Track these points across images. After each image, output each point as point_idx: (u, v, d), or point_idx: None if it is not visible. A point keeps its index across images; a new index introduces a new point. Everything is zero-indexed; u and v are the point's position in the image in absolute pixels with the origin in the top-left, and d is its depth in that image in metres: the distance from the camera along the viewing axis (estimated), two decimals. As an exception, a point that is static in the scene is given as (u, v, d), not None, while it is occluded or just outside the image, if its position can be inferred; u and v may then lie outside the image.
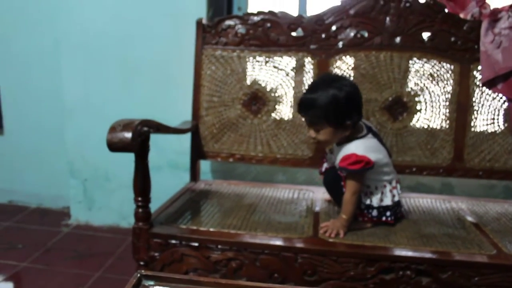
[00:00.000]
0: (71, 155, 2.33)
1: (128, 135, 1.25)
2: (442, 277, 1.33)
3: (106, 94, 2.22)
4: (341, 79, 1.49)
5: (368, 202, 1.49)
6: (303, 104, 1.46)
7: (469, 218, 1.64)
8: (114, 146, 1.25)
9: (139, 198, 1.40)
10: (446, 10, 1.77)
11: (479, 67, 1.75)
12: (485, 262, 1.32)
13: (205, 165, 2.16)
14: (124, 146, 1.25)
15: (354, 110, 1.45)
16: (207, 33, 1.85)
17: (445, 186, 2.09)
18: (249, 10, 2.21)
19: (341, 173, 1.49)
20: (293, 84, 1.82)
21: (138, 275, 0.84)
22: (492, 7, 1.75)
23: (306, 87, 1.79)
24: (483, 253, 1.36)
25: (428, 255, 1.34)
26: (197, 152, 1.89)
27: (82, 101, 2.25)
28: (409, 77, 1.79)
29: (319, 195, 1.80)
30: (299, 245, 1.36)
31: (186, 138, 1.92)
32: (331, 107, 1.40)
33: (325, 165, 1.67)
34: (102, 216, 2.38)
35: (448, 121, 1.79)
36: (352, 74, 1.80)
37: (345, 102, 1.41)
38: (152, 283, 0.84)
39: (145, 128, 1.35)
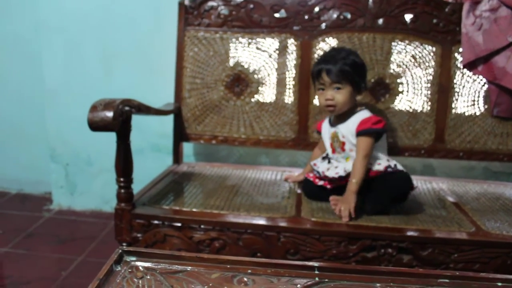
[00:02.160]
0: (52, 139, 2.30)
1: (110, 114, 1.23)
2: (423, 254, 1.35)
3: (87, 78, 2.18)
4: (352, 51, 1.59)
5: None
6: (333, 57, 1.50)
7: (450, 198, 1.66)
8: (95, 125, 1.23)
9: (121, 179, 1.39)
10: (429, -8, 1.78)
11: (460, 49, 1.77)
12: (464, 239, 1.34)
13: (188, 148, 2.15)
14: (105, 125, 1.23)
15: (365, 77, 1.58)
16: (190, 15, 1.83)
17: (427, 167, 2.11)
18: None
19: (359, 137, 1.49)
20: (276, 66, 1.82)
21: (120, 251, 0.84)
22: (473, -11, 1.76)
23: (290, 68, 1.80)
24: (462, 231, 1.38)
25: (409, 233, 1.35)
26: (180, 135, 1.88)
27: (63, 85, 2.22)
28: (392, 58, 1.79)
29: (301, 176, 1.80)
30: (282, 224, 1.36)
31: (169, 121, 1.91)
32: (357, 66, 1.51)
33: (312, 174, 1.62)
34: (85, 200, 2.36)
35: (429, 103, 1.80)
36: (335, 56, 1.79)
37: (364, 67, 1.55)
38: (133, 258, 0.84)
39: (127, 108, 1.33)
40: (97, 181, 2.30)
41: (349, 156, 1.54)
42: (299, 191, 1.65)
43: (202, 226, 1.37)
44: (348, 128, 1.52)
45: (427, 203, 1.59)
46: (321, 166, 1.56)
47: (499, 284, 0.82)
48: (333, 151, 1.58)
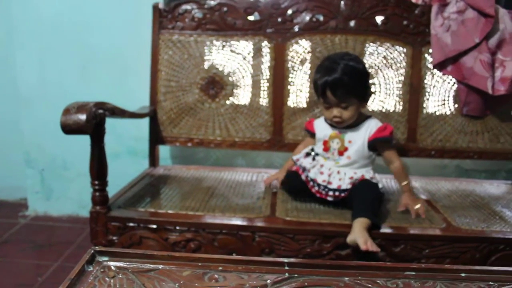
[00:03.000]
0: (27, 144, 2.28)
1: (83, 117, 1.24)
2: (395, 250, 1.38)
3: (62, 82, 2.17)
4: (350, 54, 1.57)
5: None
6: (332, 85, 1.45)
7: (422, 196, 1.70)
8: (68, 128, 1.23)
9: (96, 182, 1.39)
10: (399, -5, 1.81)
11: (430, 50, 1.81)
12: (435, 234, 1.38)
13: (164, 151, 2.15)
14: (79, 128, 1.23)
15: (369, 84, 1.59)
16: (164, 18, 1.84)
17: (401, 167, 2.15)
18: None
19: (379, 146, 1.55)
20: (250, 68, 1.84)
21: (92, 251, 0.84)
22: (441, -8, 1.81)
23: (264, 70, 1.82)
24: (433, 227, 1.42)
25: (381, 230, 1.38)
26: (156, 137, 1.88)
27: (38, 90, 2.20)
28: (364, 60, 1.82)
29: (282, 174, 1.81)
30: (256, 224, 1.38)
31: (145, 124, 1.91)
32: (360, 77, 1.50)
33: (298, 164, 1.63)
34: (61, 206, 2.34)
35: (401, 103, 1.84)
36: (308, 58, 1.82)
37: (366, 74, 1.55)
38: (106, 258, 0.84)
39: (100, 111, 1.34)
40: (73, 185, 2.29)
41: (339, 162, 1.54)
42: (274, 190, 1.67)
43: (177, 228, 1.38)
44: (360, 135, 1.53)
45: (400, 201, 1.62)
46: (305, 162, 1.57)
47: (463, 275, 0.84)
48: (326, 149, 1.57)
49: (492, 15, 1.70)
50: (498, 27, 1.75)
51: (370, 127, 1.54)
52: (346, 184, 1.48)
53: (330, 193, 1.50)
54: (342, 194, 1.49)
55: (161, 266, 0.82)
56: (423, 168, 2.15)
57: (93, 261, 0.83)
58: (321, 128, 1.61)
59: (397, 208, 1.52)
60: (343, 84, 1.44)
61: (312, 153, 1.60)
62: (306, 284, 0.78)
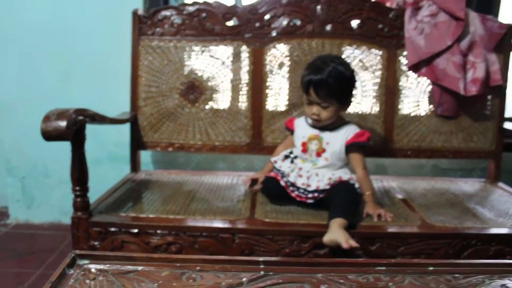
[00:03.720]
0: (7, 152, 2.28)
1: (63, 123, 1.25)
2: (372, 248, 1.41)
3: (43, 89, 2.18)
4: (341, 59, 1.61)
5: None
6: (315, 84, 1.49)
7: (398, 195, 1.74)
8: (49, 135, 1.25)
9: (77, 188, 1.40)
10: (373, -1, 1.86)
11: (405, 53, 1.86)
12: (410, 232, 1.42)
13: (146, 156, 2.17)
14: (59, 135, 1.25)
15: (353, 91, 1.60)
16: (143, 24, 1.86)
17: (379, 167, 2.20)
18: (186, 1, 2.22)
19: (353, 149, 1.58)
20: (229, 73, 1.86)
21: (72, 255, 0.86)
22: (414, -4, 1.86)
23: (242, 75, 1.85)
24: (408, 225, 1.46)
25: (357, 229, 1.41)
26: (137, 143, 1.90)
27: (18, 97, 2.20)
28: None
29: (262, 176, 1.84)
30: (236, 226, 1.41)
31: (126, 129, 1.93)
32: (345, 82, 1.54)
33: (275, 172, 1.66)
34: (43, 213, 2.34)
35: (377, 105, 1.89)
36: (286, 62, 1.86)
37: (353, 81, 1.58)
38: (86, 261, 0.86)
39: (80, 117, 1.35)
40: (55, 193, 2.29)
41: (317, 163, 1.58)
42: (254, 190, 1.70)
43: (158, 231, 1.40)
44: (338, 138, 1.57)
45: (377, 200, 1.65)
46: (284, 166, 1.60)
47: (430, 268, 0.88)
48: (304, 151, 1.61)
49: (463, 18, 1.76)
50: (469, 30, 1.81)
51: (349, 131, 1.58)
52: (324, 185, 1.52)
53: (310, 195, 1.53)
54: (321, 195, 1.52)
55: (141, 267, 0.84)
56: (400, 168, 2.20)
57: (74, 265, 0.85)
58: (301, 127, 1.64)
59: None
60: (326, 85, 1.48)
61: (291, 156, 1.63)
62: (280, 281, 0.81)
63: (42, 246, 2.12)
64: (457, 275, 0.88)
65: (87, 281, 0.80)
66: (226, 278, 0.82)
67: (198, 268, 0.84)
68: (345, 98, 1.57)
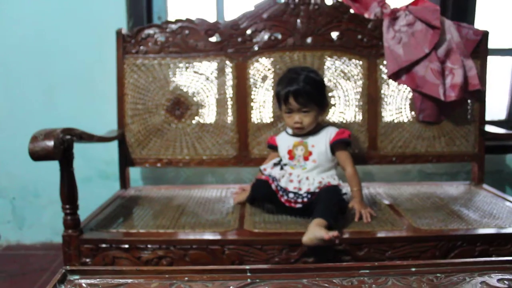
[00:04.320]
0: (-4, 174, 2.28)
1: (50, 143, 1.27)
2: (360, 254, 1.44)
3: (30, 110, 2.19)
4: (309, 67, 1.72)
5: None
6: (294, 92, 1.56)
7: (385, 201, 1.78)
8: (37, 155, 1.27)
9: (67, 206, 1.42)
10: (352, 11, 1.91)
11: (385, 62, 1.90)
12: (396, 236, 1.45)
13: (135, 173, 2.19)
14: (47, 155, 1.27)
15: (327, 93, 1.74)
16: (127, 43, 1.89)
17: (366, 174, 2.23)
18: (169, 19, 2.26)
19: (338, 147, 1.66)
20: (214, 88, 1.90)
21: (63, 271, 0.88)
22: (391, 7, 1.91)
23: (227, 89, 1.88)
24: (394, 229, 1.49)
25: (345, 235, 1.44)
26: (125, 160, 1.92)
27: (5, 118, 2.21)
28: (323, 74, 1.90)
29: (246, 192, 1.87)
30: (225, 237, 1.43)
31: (114, 147, 1.95)
32: (319, 86, 1.64)
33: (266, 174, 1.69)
34: (34, 233, 2.34)
35: (360, 113, 1.93)
36: (268, 75, 1.89)
37: (324, 85, 1.69)
38: (77, 277, 0.88)
39: (68, 136, 1.37)
40: (46, 212, 2.30)
41: (306, 167, 1.63)
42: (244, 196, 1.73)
43: (149, 246, 1.42)
44: (321, 139, 1.65)
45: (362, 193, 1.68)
46: (274, 172, 1.64)
47: (413, 269, 0.91)
48: (291, 158, 1.66)
49: (438, 27, 1.81)
50: (445, 38, 1.86)
51: (330, 132, 1.67)
52: (314, 188, 1.56)
53: (299, 199, 1.56)
54: (310, 199, 1.55)
55: (130, 280, 0.86)
56: (387, 175, 2.24)
57: (65, 280, 0.87)
58: (284, 140, 1.71)
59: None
60: (304, 91, 1.57)
61: (280, 163, 1.67)
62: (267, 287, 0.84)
63: (34, 266, 2.12)
64: (439, 275, 0.91)
65: (78, 295, 0.82)
66: (213, 287, 0.84)
67: (186, 278, 0.86)
68: (322, 101, 1.65)
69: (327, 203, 1.48)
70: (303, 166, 1.64)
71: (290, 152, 1.66)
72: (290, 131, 1.71)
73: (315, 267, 0.90)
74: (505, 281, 0.88)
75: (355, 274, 0.89)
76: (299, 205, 1.56)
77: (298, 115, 1.60)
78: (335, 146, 1.65)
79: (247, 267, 0.88)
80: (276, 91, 1.66)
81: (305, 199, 1.56)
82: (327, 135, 1.66)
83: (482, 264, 0.95)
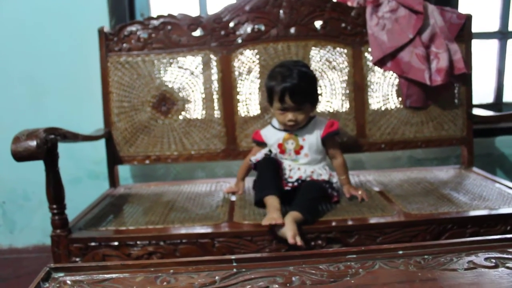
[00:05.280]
0: (-15, 179, 2.26)
1: (33, 143, 1.26)
2: (350, 241, 1.44)
3: (15, 113, 2.17)
4: (299, 61, 1.67)
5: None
6: (291, 91, 1.52)
7: (375, 188, 1.77)
8: (19, 155, 1.26)
9: (54, 206, 1.41)
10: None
11: (369, 49, 1.90)
12: (387, 222, 1.45)
13: (125, 171, 2.17)
14: (30, 155, 1.26)
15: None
16: (110, 41, 1.88)
17: (356, 163, 2.23)
18: (152, 15, 2.24)
19: (329, 139, 1.66)
20: (199, 82, 1.89)
21: (47, 269, 0.87)
22: (374, -7, 1.90)
23: (212, 83, 1.87)
24: (385, 215, 1.49)
25: (334, 223, 1.44)
26: (113, 158, 1.91)
27: (-9, 122, 2.19)
28: (308, 64, 1.89)
29: (238, 187, 1.87)
30: (214, 230, 1.42)
31: (102, 146, 1.93)
32: (312, 86, 1.62)
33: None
34: (26, 237, 2.32)
35: (347, 102, 1.92)
36: (253, 67, 1.88)
37: (316, 79, 1.66)
38: (62, 274, 0.87)
39: (52, 136, 1.36)
40: (36, 215, 2.28)
41: (298, 160, 1.63)
42: (232, 198, 1.72)
43: (138, 242, 1.41)
44: (312, 132, 1.64)
45: (344, 192, 1.69)
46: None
47: (400, 252, 0.91)
48: (282, 152, 1.64)
49: (421, 11, 1.81)
50: (429, 22, 1.86)
51: (319, 123, 1.66)
52: (306, 176, 1.58)
53: (289, 184, 1.58)
54: (300, 183, 1.56)
55: (115, 275, 0.85)
56: (377, 162, 2.24)
57: (49, 278, 0.86)
58: (271, 134, 1.68)
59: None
60: (301, 89, 1.54)
61: (272, 154, 1.65)
62: (252, 276, 0.83)
63: (27, 269, 2.11)
64: (426, 257, 0.90)
65: (63, 292, 0.81)
66: (199, 278, 0.83)
67: (172, 271, 0.86)
68: (316, 97, 1.65)
69: (309, 196, 1.49)
70: (295, 160, 1.63)
71: (280, 146, 1.64)
72: (277, 124, 1.68)
73: (301, 255, 0.90)
74: (492, 260, 0.88)
75: (342, 260, 0.89)
76: (287, 188, 1.57)
77: (292, 113, 1.57)
78: (326, 138, 1.65)
79: (233, 257, 0.87)
80: (268, 86, 1.59)
81: (296, 184, 1.57)
82: (317, 127, 1.65)
83: (469, 244, 0.95)
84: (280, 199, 1.46)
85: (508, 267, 0.85)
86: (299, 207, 1.43)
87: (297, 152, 1.63)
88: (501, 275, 0.82)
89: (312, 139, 1.63)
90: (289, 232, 1.33)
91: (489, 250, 0.91)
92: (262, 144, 1.71)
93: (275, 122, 1.69)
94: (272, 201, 1.44)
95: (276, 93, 1.55)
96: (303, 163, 1.62)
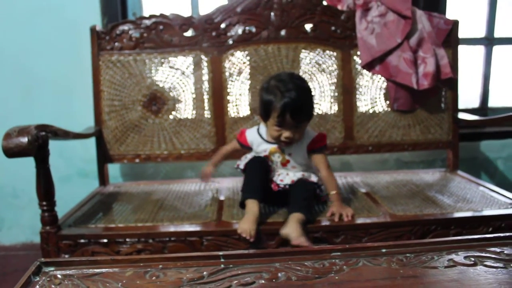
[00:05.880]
0: (-27, 176, 2.26)
1: (24, 139, 1.27)
2: (337, 241, 1.47)
3: (6, 111, 2.17)
4: (294, 74, 1.57)
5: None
6: (293, 110, 1.43)
7: (362, 189, 1.80)
8: (11, 151, 1.27)
9: (44, 203, 1.42)
10: (325, 3, 1.93)
11: (358, 52, 1.93)
12: (372, 222, 1.48)
13: (115, 170, 2.18)
14: (21, 151, 1.27)
15: None
16: (102, 40, 1.89)
17: (344, 164, 2.26)
18: (145, 15, 2.26)
19: (315, 151, 1.59)
20: (189, 82, 1.91)
21: (38, 263, 0.89)
22: (363, -2, 1.94)
23: (203, 83, 1.89)
24: (370, 216, 1.52)
25: (322, 223, 1.47)
26: (103, 157, 1.92)
27: (-19, 119, 2.19)
28: (297, 66, 1.92)
29: (224, 184, 1.89)
30: (203, 228, 1.44)
31: (93, 145, 1.94)
32: (311, 102, 1.54)
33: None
34: (14, 234, 2.32)
35: (336, 104, 1.95)
36: (244, 68, 1.91)
37: (311, 92, 1.57)
38: (52, 268, 0.89)
39: (43, 133, 1.37)
40: (25, 213, 2.28)
41: (286, 171, 1.58)
42: (221, 197, 1.74)
43: (127, 240, 1.43)
44: (298, 146, 1.56)
45: (342, 196, 1.71)
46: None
47: (384, 250, 0.93)
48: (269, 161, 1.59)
49: (410, 16, 1.84)
50: (417, 27, 1.89)
51: (306, 137, 1.57)
52: (297, 178, 1.55)
53: (281, 186, 1.55)
54: (292, 185, 1.55)
55: (105, 269, 0.87)
56: (365, 164, 2.27)
57: (40, 272, 0.87)
58: (257, 143, 1.62)
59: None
60: (302, 108, 1.46)
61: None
62: (239, 272, 0.85)
63: (15, 267, 2.11)
64: (408, 255, 0.93)
65: (53, 286, 0.82)
66: (188, 273, 0.85)
67: (160, 266, 0.88)
68: (313, 113, 1.56)
69: (305, 195, 1.49)
70: (282, 170, 1.60)
71: (266, 157, 1.59)
72: (264, 134, 1.60)
73: (287, 251, 0.92)
74: (471, 258, 0.91)
75: (326, 257, 0.91)
76: (279, 189, 1.55)
77: (289, 131, 1.47)
78: (313, 152, 1.59)
79: (220, 253, 0.89)
80: (265, 100, 1.48)
81: (287, 186, 1.54)
82: (305, 140, 1.57)
83: (450, 243, 0.97)
84: (261, 203, 1.48)
85: (486, 265, 0.88)
86: (299, 208, 1.44)
87: (284, 164, 1.58)
88: (479, 272, 0.85)
89: (298, 153, 1.57)
90: (294, 233, 1.34)
91: (469, 249, 0.94)
92: (246, 147, 1.66)
93: (262, 130, 1.61)
94: (251, 206, 1.44)
95: (275, 110, 1.44)
96: (291, 171, 1.59)
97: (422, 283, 0.82)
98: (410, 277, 0.84)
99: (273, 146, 1.58)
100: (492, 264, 0.88)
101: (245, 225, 1.39)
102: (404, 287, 0.81)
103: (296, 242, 1.32)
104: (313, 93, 1.60)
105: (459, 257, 0.91)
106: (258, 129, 1.63)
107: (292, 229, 1.36)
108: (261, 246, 1.43)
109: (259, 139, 1.61)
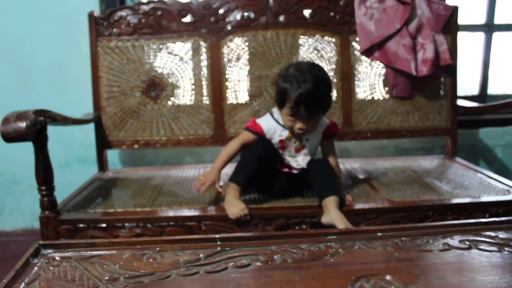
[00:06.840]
0: (-27, 162, 2.27)
1: (22, 124, 1.28)
2: (334, 226, 1.47)
3: (4, 97, 2.16)
4: (316, 65, 1.53)
5: None
6: (308, 101, 1.41)
7: (360, 176, 1.81)
8: (9, 136, 1.27)
9: (43, 187, 1.43)
10: (324, -12, 1.92)
11: (357, 38, 1.92)
12: (370, 208, 1.49)
13: (114, 156, 2.19)
14: (19, 136, 1.28)
15: None
16: (100, 26, 1.88)
17: (343, 151, 2.26)
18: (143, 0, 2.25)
19: (329, 141, 1.63)
20: (188, 68, 1.90)
21: (36, 245, 0.89)
22: (362, -17, 1.92)
23: (201, 69, 1.88)
24: (368, 201, 1.52)
25: (319, 209, 1.47)
26: (102, 142, 1.92)
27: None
28: (296, 52, 1.92)
29: (223, 170, 1.89)
30: (201, 213, 1.45)
31: (92, 131, 1.95)
32: (331, 94, 1.53)
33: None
34: (14, 220, 2.33)
35: (335, 90, 1.95)
36: (242, 54, 1.90)
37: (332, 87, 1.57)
38: (50, 251, 0.89)
39: (41, 118, 1.37)
40: (25, 198, 2.29)
41: (295, 157, 1.57)
42: (220, 183, 1.74)
43: (126, 224, 1.44)
44: (314, 134, 1.56)
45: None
46: None
47: (379, 234, 0.94)
48: (283, 147, 1.57)
49: (409, 2, 1.83)
50: (416, 13, 1.89)
51: (321, 124, 1.57)
52: (306, 164, 1.56)
53: (298, 168, 1.56)
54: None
55: (103, 252, 0.88)
56: (363, 151, 2.28)
57: (38, 254, 0.88)
58: (272, 129, 1.56)
59: None
60: (318, 102, 1.44)
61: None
62: (236, 254, 0.86)
63: (16, 252, 2.12)
64: (403, 238, 0.94)
65: (51, 267, 0.83)
66: (184, 255, 0.86)
67: (158, 249, 0.88)
68: (330, 105, 1.52)
69: (329, 177, 1.50)
70: (293, 156, 1.58)
71: (282, 142, 1.56)
72: (280, 120, 1.55)
73: (283, 235, 0.93)
74: (466, 242, 0.91)
75: (322, 240, 0.92)
76: (295, 171, 1.55)
77: (303, 122, 1.46)
78: (325, 140, 1.61)
79: (217, 236, 0.90)
80: (282, 88, 1.45)
81: (304, 168, 1.55)
82: (320, 128, 1.57)
83: (445, 228, 0.98)
84: (241, 191, 1.50)
85: (480, 249, 0.88)
86: (331, 191, 1.45)
87: (297, 150, 1.57)
88: (473, 256, 0.86)
89: (314, 140, 1.58)
90: (337, 220, 1.36)
91: (464, 233, 0.95)
92: (259, 136, 1.57)
93: (278, 116, 1.56)
94: (231, 190, 1.47)
95: (290, 100, 1.42)
96: (299, 158, 1.58)
97: (417, 266, 0.83)
98: (405, 260, 0.85)
99: (290, 132, 1.55)
100: (487, 248, 0.89)
101: (235, 209, 1.41)
102: (399, 269, 0.82)
103: (342, 227, 1.31)
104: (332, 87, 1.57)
105: (454, 241, 0.92)
106: (272, 116, 1.58)
107: (333, 216, 1.37)
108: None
109: (274, 125, 1.56)
